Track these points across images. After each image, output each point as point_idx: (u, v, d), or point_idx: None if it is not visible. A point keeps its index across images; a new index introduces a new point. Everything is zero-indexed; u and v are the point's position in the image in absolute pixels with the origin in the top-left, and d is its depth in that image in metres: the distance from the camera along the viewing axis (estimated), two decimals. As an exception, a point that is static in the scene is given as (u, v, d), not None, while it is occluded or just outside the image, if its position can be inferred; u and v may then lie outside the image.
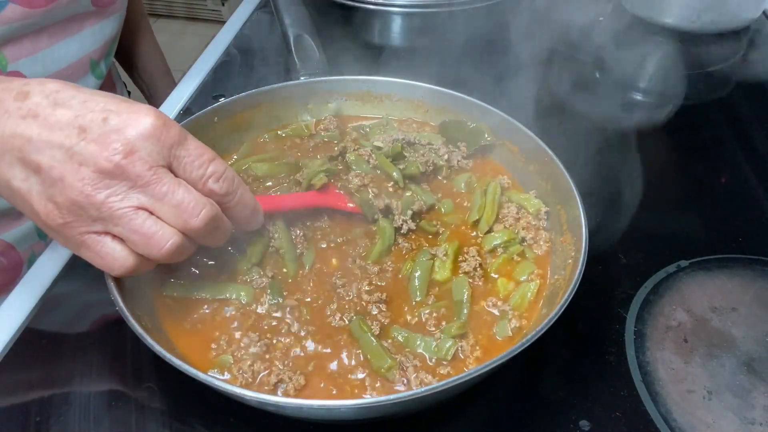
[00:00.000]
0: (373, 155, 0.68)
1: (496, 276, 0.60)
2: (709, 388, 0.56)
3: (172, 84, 1.10)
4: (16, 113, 0.44)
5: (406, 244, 0.63)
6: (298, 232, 0.63)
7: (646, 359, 0.58)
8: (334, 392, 0.51)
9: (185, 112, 0.89)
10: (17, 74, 0.72)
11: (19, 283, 0.64)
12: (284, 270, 0.60)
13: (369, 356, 0.52)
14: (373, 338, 0.53)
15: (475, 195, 0.67)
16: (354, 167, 0.68)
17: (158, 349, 0.46)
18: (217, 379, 0.46)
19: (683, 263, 0.67)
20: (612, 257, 0.68)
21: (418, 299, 0.58)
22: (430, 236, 0.64)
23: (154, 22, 3.23)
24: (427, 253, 0.61)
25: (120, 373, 0.56)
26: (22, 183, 0.45)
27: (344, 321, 0.55)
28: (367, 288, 0.57)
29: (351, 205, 0.64)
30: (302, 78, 0.78)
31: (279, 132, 0.76)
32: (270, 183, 0.69)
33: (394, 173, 0.66)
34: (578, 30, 1.09)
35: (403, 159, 0.70)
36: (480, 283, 0.59)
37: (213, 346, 0.53)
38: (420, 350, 0.53)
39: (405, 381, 0.51)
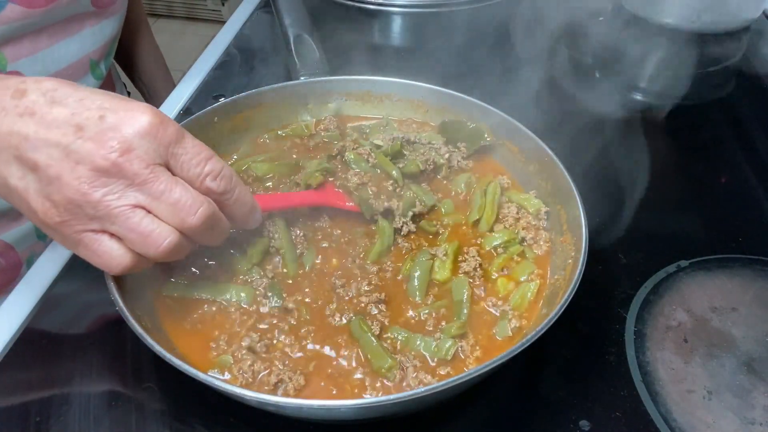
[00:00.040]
0: (372, 154, 0.68)
1: (496, 276, 0.60)
2: (709, 388, 0.56)
3: (172, 86, 1.10)
4: (12, 111, 0.44)
5: (406, 244, 0.63)
6: (299, 232, 0.63)
7: (646, 359, 0.58)
8: (334, 392, 0.51)
9: (185, 112, 0.89)
10: (17, 74, 0.72)
11: (19, 284, 0.64)
12: (284, 270, 0.60)
13: (369, 356, 0.52)
14: (373, 338, 0.53)
15: (475, 195, 0.67)
16: (353, 166, 0.68)
17: (158, 349, 0.46)
18: (217, 379, 0.46)
19: (683, 263, 0.67)
20: (612, 257, 0.68)
21: (417, 299, 0.58)
22: (430, 236, 0.64)
23: (154, 22, 3.23)
24: (426, 253, 0.61)
25: (120, 373, 0.56)
26: (19, 181, 0.45)
27: (344, 321, 0.55)
28: (366, 288, 0.57)
29: (350, 203, 0.64)
30: (302, 78, 0.78)
31: (279, 132, 0.76)
32: (270, 183, 0.69)
33: (394, 172, 0.66)
34: (578, 30, 1.09)
35: (403, 157, 0.70)
36: (480, 283, 0.59)
37: (213, 346, 0.53)
38: (420, 350, 0.53)
39: (405, 381, 0.51)
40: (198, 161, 0.47)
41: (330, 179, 0.66)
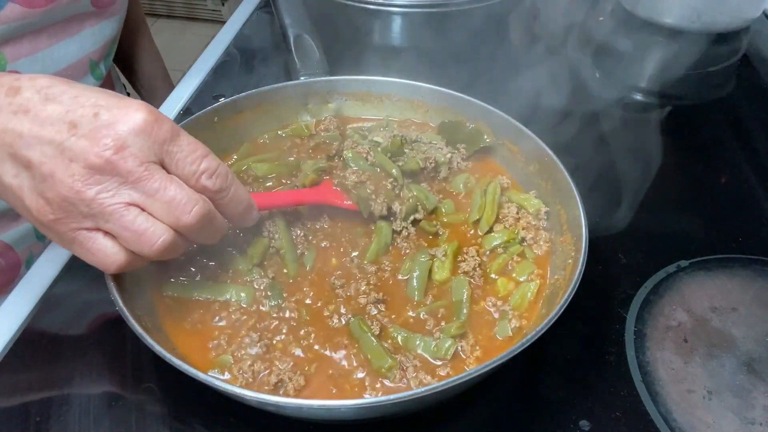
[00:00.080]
0: (371, 152, 0.68)
1: (496, 276, 0.60)
2: (709, 388, 0.56)
3: (171, 88, 1.09)
4: (7, 108, 0.44)
5: (405, 244, 0.63)
6: (299, 232, 0.63)
7: (646, 359, 0.58)
8: (334, 392, 0.51)
9: (185, 112, 0.89)
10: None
11: (19, 284, 0.64)
12: (285, 270, 0.60)
13: (369, 356, 0.52)
14: (373, 338, 0.53)
15: (475, 195, 0.67)
16: (351, 164, 0.68)
17: (158, 349, 0.46)
18: (217, 379, 0.46)
19: (683, 263, 0.67)
20: (612, 257, 0.68)
21: (417, 299, 0.58)
22: (430, 236, 0.64)
23: (154, 23, 3.23)
24: (426, 253, 0.61)
25: (120, 374, 0.56)
26: (13, 179, 0.45)
27: (343, 321, 0.55)
28: (365, 288, 0.57)
29: (348, 202, 0.64)
30: (302, 78, 0.78)
31: (279, 132, 0.76)
32: (270, 183, 0.69)
33: (393, 170, 0.66)
34: (578, 30, 1.10)
35: (403, 155, 0.69)
36: (480, 283, 0.59)
37: (213, 345, 0.53)
38: (419, 350, 0.53)
39: (405, 381, 0.51)
40: (193, 159, 0.46)
41: (326, 177, 0.66)
